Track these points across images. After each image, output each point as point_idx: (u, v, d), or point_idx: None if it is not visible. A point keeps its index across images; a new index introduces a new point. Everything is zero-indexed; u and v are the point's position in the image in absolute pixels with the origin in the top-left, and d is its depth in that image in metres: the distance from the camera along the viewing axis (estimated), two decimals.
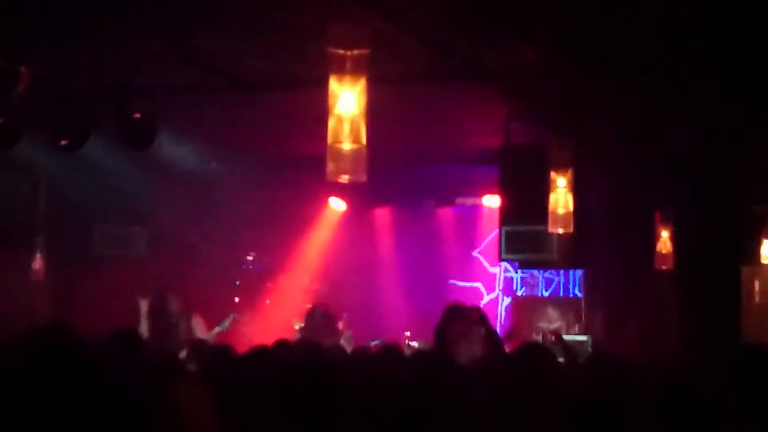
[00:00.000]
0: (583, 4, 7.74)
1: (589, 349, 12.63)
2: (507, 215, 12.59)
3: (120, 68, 10.00)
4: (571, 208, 10.74)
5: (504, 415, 5.52)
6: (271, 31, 8.70)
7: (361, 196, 16.30)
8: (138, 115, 11.00)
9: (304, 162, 13.83)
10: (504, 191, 12.67)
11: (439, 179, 16.15)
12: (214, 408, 4.05)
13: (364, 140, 6.78)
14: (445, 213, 17.24)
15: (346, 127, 6.70)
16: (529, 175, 11.62)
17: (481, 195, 16.13)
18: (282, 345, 7.59)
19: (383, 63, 7.00)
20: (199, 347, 8.93)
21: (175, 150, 13.16)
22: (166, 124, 11.32)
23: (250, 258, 16.83)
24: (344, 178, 6.86)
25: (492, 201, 15.46)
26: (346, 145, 6.75)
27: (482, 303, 16.00)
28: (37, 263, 14.23)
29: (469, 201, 16.76)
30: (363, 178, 6.85)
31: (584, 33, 8.15)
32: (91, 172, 13.52)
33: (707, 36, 8.21)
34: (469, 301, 11.04)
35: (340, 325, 14.12)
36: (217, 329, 12.82)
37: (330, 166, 6.80)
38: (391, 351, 7.07)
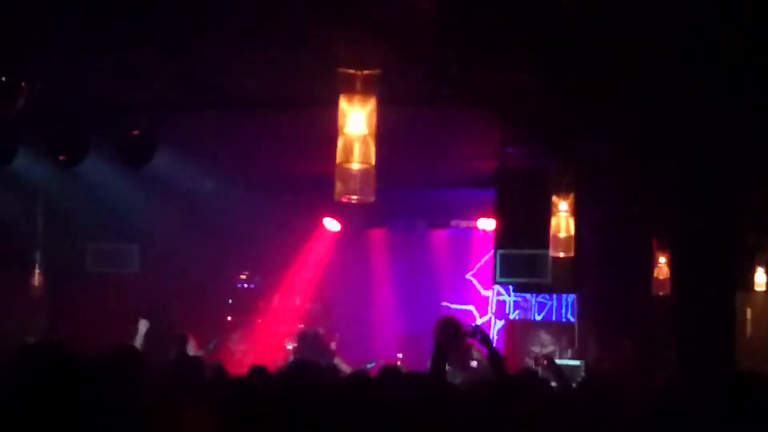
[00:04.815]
0: (582, 29, 7.75)
1: (582, 374, 12.61)
2: (502, 238, 12.55)
3: (120, 85, 9.99)
4: (572, 232, 10.73)
5: None
6: (270, 50, 8.70)
7: (355, 217, 16.30)
8: (136, 132, 10.97)
9: (299, 181, 13.90)
10: (500, 214, 12.64)
11: (433, 201, 16.16)
12: (214, 426, 4.05)
13: (373, 160, 6.71)
14: (439, 235, 17.24)
15: (356, 147, 6.63)
16: (526, 199, 11.60)
17: (475, 218, 16.13)
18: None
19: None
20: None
21: (171, 168, 13.14)
22: (164, 142, 11.30)
23: (243, 277, 16.80)
24: (353, 198, 6.77)
25: (486, 224, 15.47)
26: (355, 165, 6.68)
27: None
28: (36, 279, 14.21)
29: (464, 223, 16.76)
30: (371, 198, 6.77)
31: (583, 58, 8.16)
32: (87, 188, 13.50)
33: (707, 62, 8.22)
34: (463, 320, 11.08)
35: (333, 345, 14.09)
36: (201, 352, 12.68)
37: (338, 186, 6.71)
38: (390, 373, 7.03)
